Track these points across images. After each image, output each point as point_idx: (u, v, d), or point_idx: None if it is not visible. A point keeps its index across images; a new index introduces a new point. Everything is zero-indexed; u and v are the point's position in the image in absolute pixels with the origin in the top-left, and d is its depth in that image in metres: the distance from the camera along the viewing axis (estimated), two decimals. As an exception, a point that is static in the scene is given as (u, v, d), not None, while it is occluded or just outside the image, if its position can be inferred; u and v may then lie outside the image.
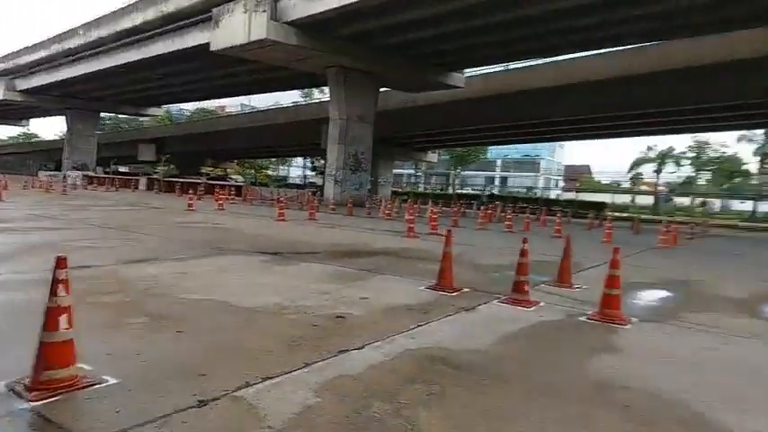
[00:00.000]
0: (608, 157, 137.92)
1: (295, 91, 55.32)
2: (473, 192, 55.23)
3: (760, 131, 42.64)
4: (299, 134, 42.80)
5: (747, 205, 45.53)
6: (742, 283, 8.06)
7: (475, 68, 30.43)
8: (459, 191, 57.08)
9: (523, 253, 5.49)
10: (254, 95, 54.47)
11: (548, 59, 28.53)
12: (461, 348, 3.84)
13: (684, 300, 6.58)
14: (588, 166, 77.79)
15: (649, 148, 51.56)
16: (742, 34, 21.18)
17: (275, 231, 12.15)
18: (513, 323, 4.66)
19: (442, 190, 63.77)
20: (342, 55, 24.63)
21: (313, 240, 10.71)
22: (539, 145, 69.46)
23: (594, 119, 30.81)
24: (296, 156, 68.74)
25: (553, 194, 62.28)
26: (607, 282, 5.07)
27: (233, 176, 57.29)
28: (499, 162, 79.75)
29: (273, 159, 74.72)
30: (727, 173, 49.27)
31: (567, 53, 26.71)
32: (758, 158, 45.41)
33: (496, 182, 77.53)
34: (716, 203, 48.07)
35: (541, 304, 5.41)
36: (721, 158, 49.37)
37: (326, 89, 30.92)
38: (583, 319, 4.98)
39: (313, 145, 39.49)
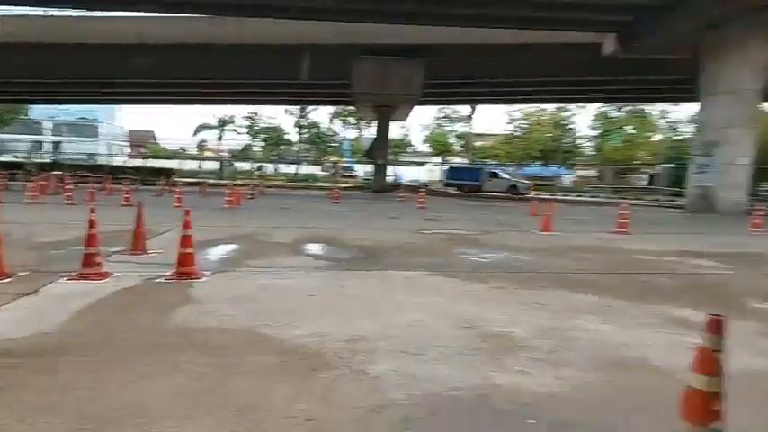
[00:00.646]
0: (171, 123, 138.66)
1: None
2: (18, 160, 45.13)
3: (297, 107, 52.02)
4: None
5: (292, 168, 55.24)
6: (288, 231, 9.98)
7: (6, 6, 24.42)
8: (-5, 159, 45.71)
9: (91, 224, 5.18)
10: None
11: (103, 13, 25.76)
12: (28, 335, 3.43)
13: (248, 249, 7.69)
14: (152, 132, 76.07)
15: (215, 117, 55.04)
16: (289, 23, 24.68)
17: None
18: (86, 297, 4.41)
19: (-36, 158, 49.38)
20: None
21: None
22: (95, 107, 62.86)
23: (163, 84, 30.30)
24: None
25: (119, 161, 58.14)
26: (181, 242, 5.41)
27: None
28: (50, 125, 67.94)
29: None
30: (275, 141, 58.17)
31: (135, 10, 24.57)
32: (297, 129, 55.63)
33: (47, 147, 65.92)
34: (269, 167, 55.96)
35: (116, 274, 5.28)
36: (270, 128, 57.66)
37: None
38: (161, 280, 5.19)
39: None
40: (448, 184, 31.96)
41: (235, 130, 55.76)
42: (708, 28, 17.54)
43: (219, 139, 55.65)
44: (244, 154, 57.70)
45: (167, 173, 31.63)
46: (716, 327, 2.09)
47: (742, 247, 9.83)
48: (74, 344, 3.33)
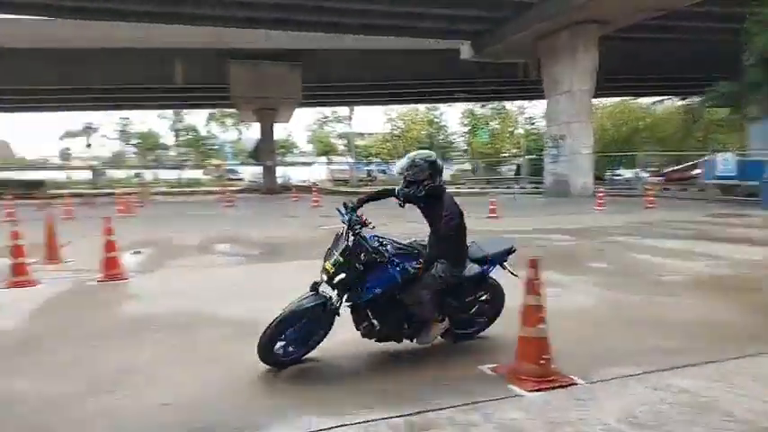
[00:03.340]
0: (31, 132, 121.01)
1: None
2: None
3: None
4: None
5: (172, 173, 52.27)
6: (194, 234, 10.27)
7: None
8: None
9: (15, 236, 5.41)
10: None
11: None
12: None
13: (162, 252, 8.04)
14: (7, 143, 67.53)
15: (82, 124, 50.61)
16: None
17: None
18: (31, 302, 4.77)
19: None
20: None
21: None
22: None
23: (22, 91, 27.58)
24: None
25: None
26: (105, 247, 5.82)
27: None
28: None
29: None
30: (150, 146, 54.95)
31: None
32: (173, 133, 53.07)
33: None
34: (147, 173, 52.66)
35: (46, 280, 5.56)
36: (144, 134, 54.33)
37: None
38: (92, 283, 5.58)
39: None
40: None
41: (105, 136, 51.96)
42: (538, 39, 20.52)
43: (88, 146, 51.37)
44: (116, 161, 53.89)
45: (37, 185, 28.90)
46: (535, 264, 3.31)
47: (585, 223, 11.99)
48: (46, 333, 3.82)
